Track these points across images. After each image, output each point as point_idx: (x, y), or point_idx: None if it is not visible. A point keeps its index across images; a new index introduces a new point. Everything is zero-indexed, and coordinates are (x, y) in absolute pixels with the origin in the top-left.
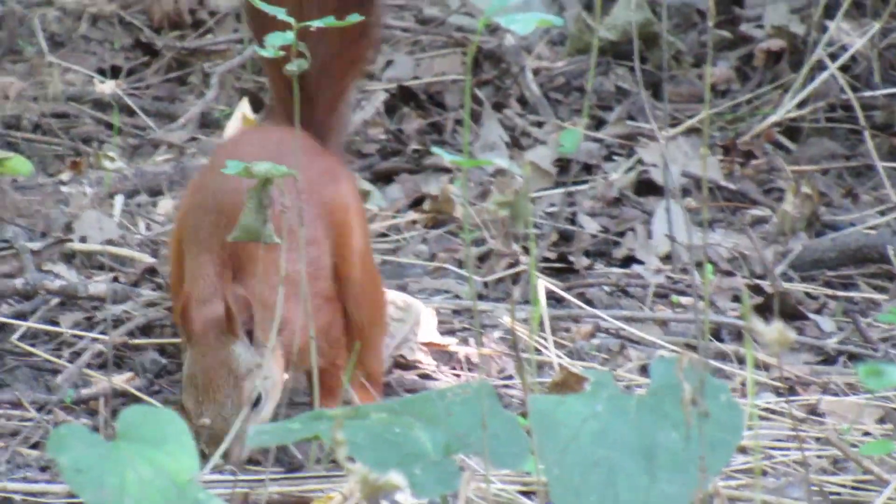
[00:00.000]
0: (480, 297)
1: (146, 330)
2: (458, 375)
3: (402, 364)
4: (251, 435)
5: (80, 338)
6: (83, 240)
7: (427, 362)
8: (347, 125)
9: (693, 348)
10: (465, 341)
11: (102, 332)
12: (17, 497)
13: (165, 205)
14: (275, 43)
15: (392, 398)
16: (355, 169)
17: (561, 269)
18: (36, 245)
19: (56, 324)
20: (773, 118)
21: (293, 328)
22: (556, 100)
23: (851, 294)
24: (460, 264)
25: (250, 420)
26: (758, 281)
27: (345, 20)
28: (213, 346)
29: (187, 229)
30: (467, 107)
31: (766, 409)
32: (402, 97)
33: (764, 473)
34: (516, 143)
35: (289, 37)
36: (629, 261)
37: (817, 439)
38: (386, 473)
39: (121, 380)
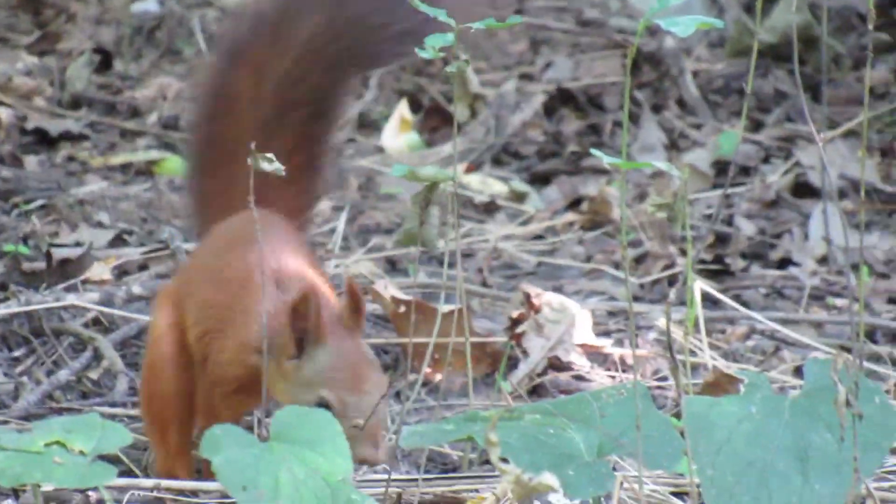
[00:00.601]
0: (636, 298)
1: None
2: (612, 377)
3: (557, 365)
4: (405, 435)
5: None
6: None
7: (581, 363)
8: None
9: (848, 350)
10: (619, 343)
11: None
12: (170, 496)
13: (323, 206)
14: (434, 44)
15: (546, 399)
16: (513, 171)
17: (717, 271)
18: (192, 246)
19: None
20: None
21: None
22: (715, 102)
23: None
24: (616, 266)
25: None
26: None
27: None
28: (346, 341)
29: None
30: (626, 109)
31: None
32: (561, 99)
33: None
34: (674, 145)
35: (449, 38)
36: (785, 263)
37: None
38: (539, 474)
39: None
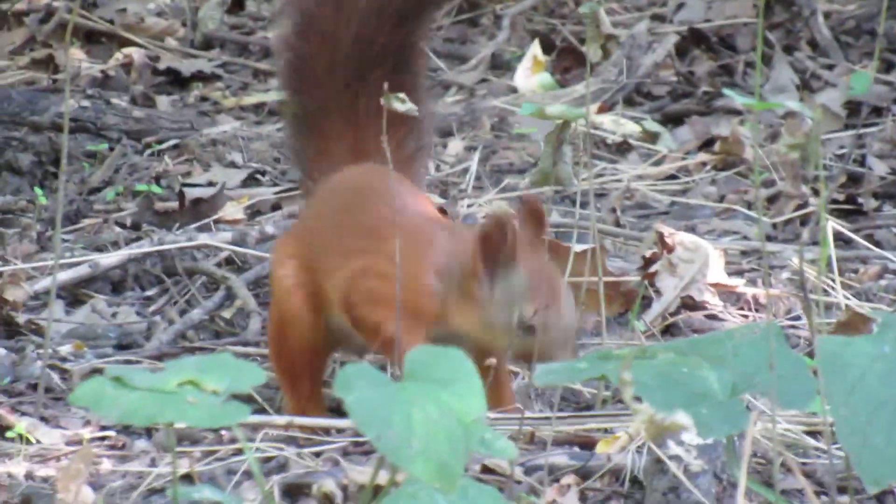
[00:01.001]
0: (769, 238)
1: None
2: (745, 316)
3: (690, 305)
4: (539, 374)
5: None
6: None
7: (714, 303)
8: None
9: None
10: (752, 282)
11: None
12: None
13: (456, 146)
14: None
15: (679, 338)
16: (646, 111)
17: (849, 211)
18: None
19: None
20: None
21: None
22: (847, 43)
23: None
24: (749, 206)
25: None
26: None
27: None
28: (534, 259)
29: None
30: (759, 49)
31: None
32: (693, 39)
33: None
34: (806, 86)
35: None
36: None
37: None
38: (672, 413)
39: None
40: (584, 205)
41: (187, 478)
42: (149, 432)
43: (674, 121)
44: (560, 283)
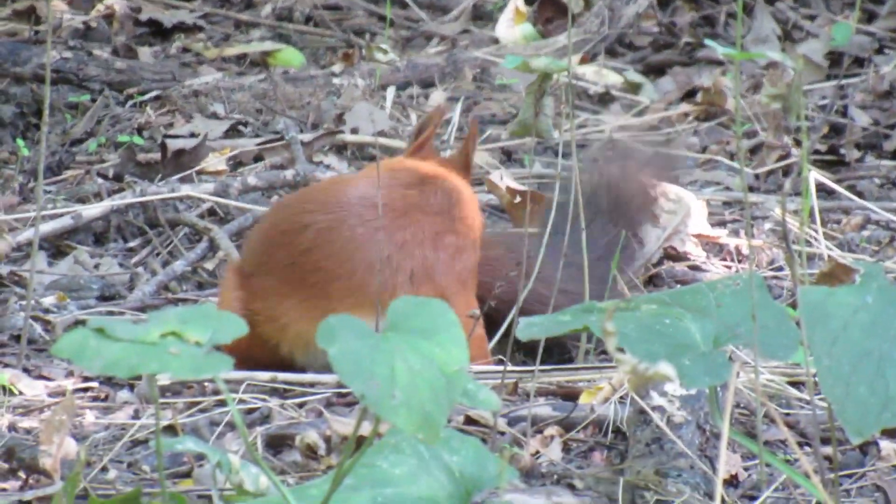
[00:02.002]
0: (751, 188)
1: None
2: (728, 267)
3: (673, 255)
4: (521, 326)
5: None
6: (354, 131)
7: (697, 254)
8: None
9: None
10: (735, 233)
11: None
12: (286, 388)
13: (438, 97)
14: None
15: (662, 289)
16: (627, 62)
17: (831, 162)
18: (307, 137)
19: None
20: None
21: None
22: None
23: None
24: (731, 156)
25: None
26: None
27: None
28: None
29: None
30: (740, 0)
31: None
32: None
33: None
34: (788, 37)
35: None
36: None
37: None
38: (655, 364)
39: None
40: (566, 155)
41: (170, 429)
42: (131, 385)
43: (656, 71)
44: None
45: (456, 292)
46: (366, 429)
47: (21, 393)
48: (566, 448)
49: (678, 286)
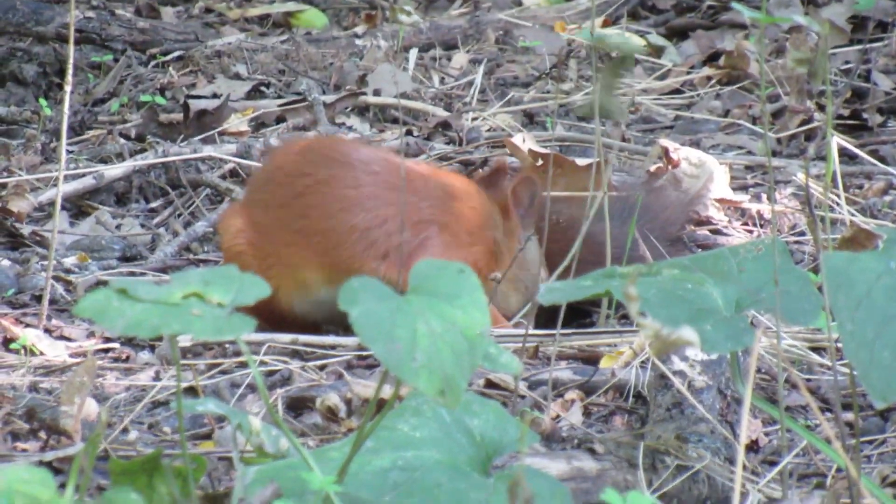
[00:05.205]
0: (774, 153)
1: None
2: (750, 231)
3: (695, 220)
4: (543, 291)
5: None
6: (377, 93)
7: (719, 218)
8: None
9: None
10: (757, 197)
11: None
12: (307, 350)
13: (460, 59)
14: None
15: (684, 254)
16: (650, 25)
17: (854, 126)
18: (329, 98)
19: None
20: None
21: None
22: None
23: None
24: (754, 121)
25: None
26: None
27: None
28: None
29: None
30: None
31: None
32: None
33: None
34: (812, 1)
35: None
36: None
37: None
38: (677, 329)
39: None
40: (588, 119)
41: (191, 391)
42: (152, 347)
43: (679, 35)
44: None
45: None
46: (386, 391)
47: (42, 353)
48: (587, 412)
49: (700, 251)
